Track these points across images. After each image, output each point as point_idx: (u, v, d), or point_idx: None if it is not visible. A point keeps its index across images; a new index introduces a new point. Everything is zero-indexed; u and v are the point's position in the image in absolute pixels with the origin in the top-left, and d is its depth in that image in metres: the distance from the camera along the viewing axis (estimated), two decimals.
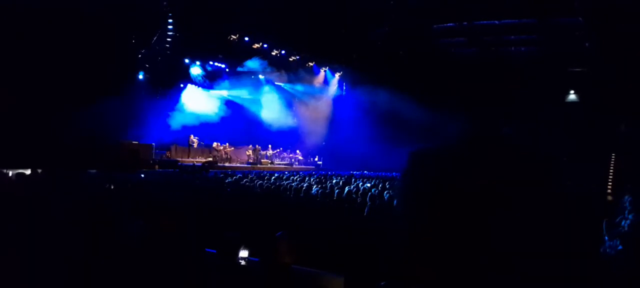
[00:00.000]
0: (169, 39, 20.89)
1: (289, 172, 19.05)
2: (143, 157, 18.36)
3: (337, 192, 8.37)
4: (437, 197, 0.81)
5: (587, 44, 21.54)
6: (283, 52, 26.08)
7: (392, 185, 10.29)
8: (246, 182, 10.67)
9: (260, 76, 26.95)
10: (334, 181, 12.16)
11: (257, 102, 27.30)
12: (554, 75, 24.53)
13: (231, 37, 23.02)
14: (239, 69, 25.57)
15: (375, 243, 4.07)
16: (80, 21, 15.11)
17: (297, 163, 26.97)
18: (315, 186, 9.67)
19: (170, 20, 20.44)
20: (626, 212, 6.10)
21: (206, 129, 24.16)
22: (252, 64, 25.48)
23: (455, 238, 0.78)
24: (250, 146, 24.33)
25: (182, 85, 24.00)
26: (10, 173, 9.60)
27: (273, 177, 12.39)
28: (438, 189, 0.80)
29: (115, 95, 16.41)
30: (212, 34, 21.88)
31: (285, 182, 10.59)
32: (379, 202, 6.86)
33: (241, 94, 26.67)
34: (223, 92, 26.09)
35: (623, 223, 5.20)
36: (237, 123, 26.09)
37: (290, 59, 26.88)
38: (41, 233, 3.35)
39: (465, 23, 22.12)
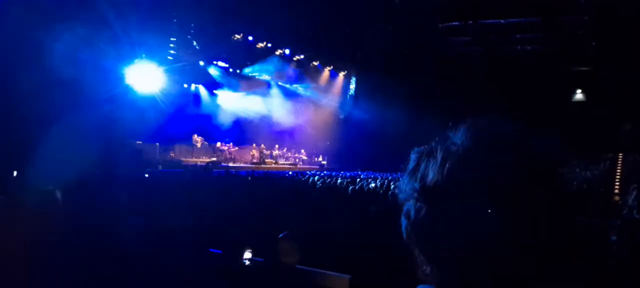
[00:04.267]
0: (172, 39, 20.90)
1: (293, 171, 19.06)
2: (147, 157, 18.44)
3: (342, 192, 8.36)
4: (441, 195, 0.80)
5: (593, 43, 21.41)
6: (287, 51, 26.06)
7: (397, 185, 10.26)
8: (250, 181, 10.69)
9: (265, 76, 26.95)
10: (338, 181, 12.14)
11: (262, 102, 27.31)
12: (559, 74, 24.42)
13: (235, 36, 22.99)
14: (244, 69, 25.58)
15: (380, 242, 4.05)
16: (81, 21, 15.17)
17: (301, 163, 26.95)
18: (319, 186, 9.67)
19: (174, 20, 20.47)
20: (634, 211, 6.04)
21: (210, 129, 24.21)
22: (256, 64, 25.48)
23: (457, 237, 0.78)
24: (255, 146, 24.35)
25: (185, 85, 24.05)
26: (15, 174, 9.65)
27: (278, 178, 12.40)
28: (442, 188, 0.79)
29: (118, 95, 16.47)
30: (215, 34, 21.87)
31: (289, 182, 10.60)
32: (383, 201, 6.84)
33: (245, 94, 26.68)
34: (228, 93, 26.12)
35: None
36: (242, 123, 26.13)
37: (295, 59, 26.85)
38: (42, 231, 3.35)
39: (471, 22, 22.04)
